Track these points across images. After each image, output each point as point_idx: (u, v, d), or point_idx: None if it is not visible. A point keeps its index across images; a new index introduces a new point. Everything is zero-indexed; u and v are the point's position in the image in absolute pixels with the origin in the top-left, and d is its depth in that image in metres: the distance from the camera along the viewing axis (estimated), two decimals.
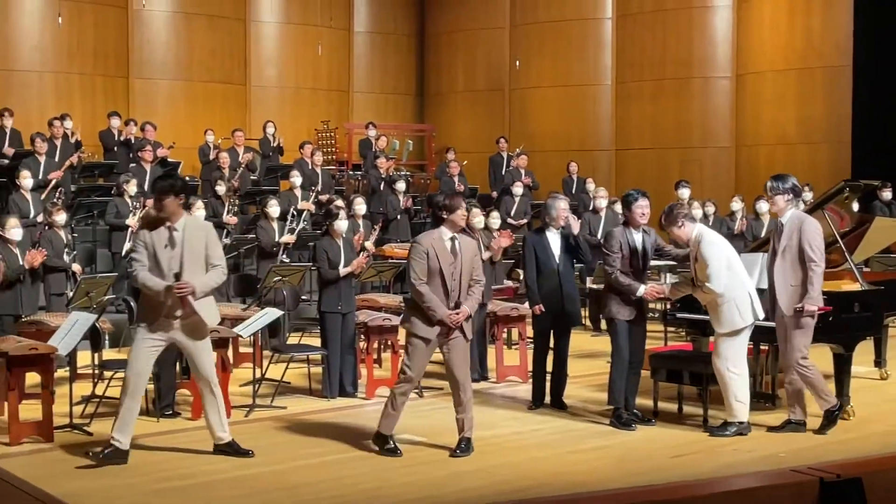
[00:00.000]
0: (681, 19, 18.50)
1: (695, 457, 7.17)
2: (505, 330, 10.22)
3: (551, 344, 8.68)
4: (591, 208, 13.80)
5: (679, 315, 8.76)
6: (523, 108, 19.98)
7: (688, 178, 15.28)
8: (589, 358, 10.49)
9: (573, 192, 16.42)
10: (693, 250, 7.64)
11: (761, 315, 7.57)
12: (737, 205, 13.95)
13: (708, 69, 18.35)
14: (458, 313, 7.10)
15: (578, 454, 7.25)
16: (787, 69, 17.40)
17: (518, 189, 15.39)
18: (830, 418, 7.69)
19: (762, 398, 8.49)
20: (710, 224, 13.34)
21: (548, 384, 8.67)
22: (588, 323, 12.34)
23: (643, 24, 18.87)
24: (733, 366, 7.51)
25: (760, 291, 7.88)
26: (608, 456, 7.19)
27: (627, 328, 7.89)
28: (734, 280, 7.49)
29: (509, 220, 14.82)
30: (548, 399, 8.62)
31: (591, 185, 16.01)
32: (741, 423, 7.58)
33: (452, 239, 7.15)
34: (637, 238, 7.92)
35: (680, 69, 18.50)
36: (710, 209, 13.64)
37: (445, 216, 7.18)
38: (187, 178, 15.50)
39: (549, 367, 8.66)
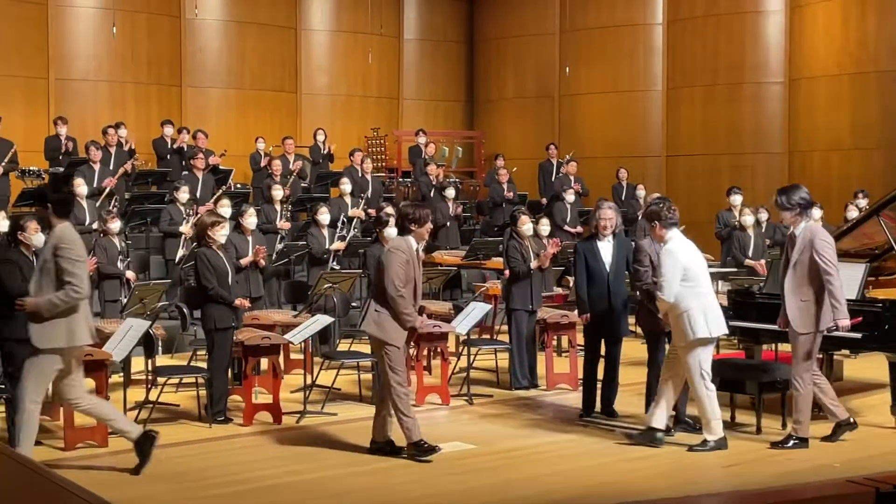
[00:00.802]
0: (733, 24, 18.35)
1: (748, 466, 7.09)
2: (555, 337, 10.19)
3: (602, 352, 8.64)
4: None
5: (731, 323, 8.67)
6: (573, 115, 19.93)
7: (739, 184, 15.16)
8: (640, 366, 10.40)
9: (623, 198, 16.35)
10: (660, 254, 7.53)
11: (717, 332, 7.38)
12: None
13: (760, 74, 18.18)
14: (424, 320, 7.33)
15: (630, 463, 7.20)
16: (841, 74, 17.19)
17: (570, 196, 15.35)
18: (838, 431, 7.60)
19: (816, 407, 8.38)
20: (763, 230, 13.23)
21: (598, 392, 8.62)
22: (639, 330, 12.25)
23: (694, 29, 18.75)
24: (699, 381, 7.35)
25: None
26: (660, 465, 7.14)
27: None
28: (689, 292, 7.29)
29: (565, 228, 14.80)
30: (598, 407, 8.57)
31: (640, 192, 15.93)
32: (717, 439, 7.41)
33: (418, 249, 7.27)
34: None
35: (731, 74, 18.34)
36: (763, 216, 13.49)
37: (414, 228, 7.22)
38: (238, 186, 15.71)
39: (600, 375, 8.62)
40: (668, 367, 7.61)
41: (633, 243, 8.74)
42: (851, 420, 7.66)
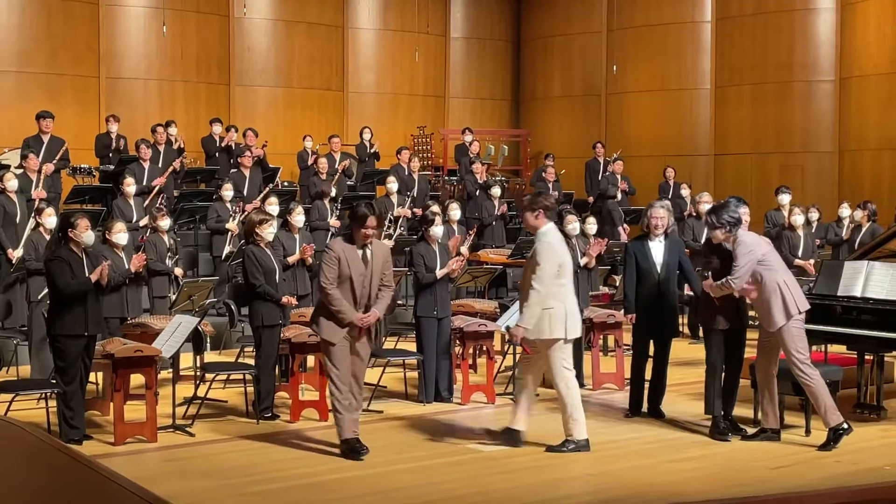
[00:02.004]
0: (782, 22, 18.17)
1: (796, 468, 7.02)
2: (601, 336, 10.14)
3: (650, 352, 8.58)
4: (692, 214, 13.48)
5: None
6: (620, 113, 19.84)
7: (788, 183, 15.01)
8: (687, 366, 10.35)
9: (670, 197, 16.23)
10: (535, 245, 7.40)
11: (573, 335, 7.29)
12: (845, 211, 13.59)
13: (810, 73, 17.98)
14: (367, 316, 7.19)
15: (677, 464, 7.15)
16: (893, 72, 16.95)
17: (618, 195, 15.30)
18: (833, 437, 7.37)
19: (867, 409, 8.28)
20: (814, 230, 13.07)
21: (646, 392, 8.57)
22: (686, 331, 12.18)
23: (743, 28, 18.58)
24: (561, 380, 7.27)
25: (866, 300, 7.66)
26: (707, 466, 7.08)
27: (722, 337, 7.78)
28: (556, 290, 7.21)
29: (617, 227, 14.78)
30: (645, 407, 8.52)
31: (685, 191, 15.81)
32: (579, 441, 7.32)
33: (364, 248, 7.17)
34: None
35: (781, 73, 18.16)
36: (814, 215, 13.33)
37: (355, 228, 7.24)
38: (286, 184, 15.81)
39: (648, 375, 8.57)
40: (526, 366, 7.53)
41: (684, 242, 8.67)
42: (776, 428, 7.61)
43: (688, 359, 10.72)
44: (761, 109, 18.34)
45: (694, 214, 13.02)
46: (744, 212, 7.91)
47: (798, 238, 12.71)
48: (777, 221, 13.50)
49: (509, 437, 7.48)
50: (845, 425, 7.35)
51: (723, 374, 7.86)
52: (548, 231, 7.38)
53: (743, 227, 7.62)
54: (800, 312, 7.34)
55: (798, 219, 12.63)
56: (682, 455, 7.35)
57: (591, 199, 16.61)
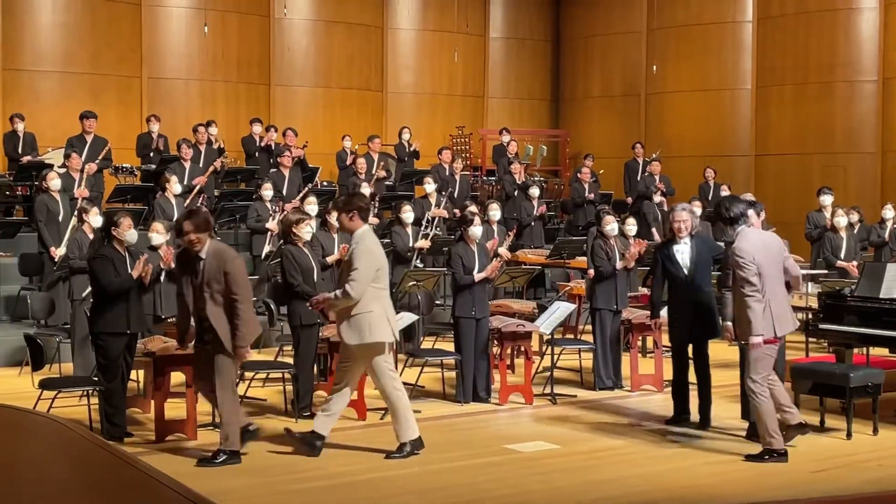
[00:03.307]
0: (824, 21, 17.99)
1: (837, 472, 6.96)
2: (640, 338, 10.10)
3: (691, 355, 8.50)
4: None
5: (822, 326, 8.52)
6: (660, 113, 19.74)
7: (830, 184, 14.86)
8: (725, 368, 10.28)
9: (709, 198, 16.14)
10: (351, 248, 7.26)
11: (391, 338, 7.15)
12: (888, 212, 13.40)
13: (853, 72, 17.79)
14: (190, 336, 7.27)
15: (715, 466, 7.11)
16: None
17: (657, 196, 15.23)
18: (764, 456, 7.10)
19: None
20: (856, 232, 12.91)
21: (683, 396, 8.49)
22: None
23: (785, 27, 18.42)
24: (390, 381, 7.16)
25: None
26: (746, 469, 7.04)
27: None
28: (374, 294, 7.05)
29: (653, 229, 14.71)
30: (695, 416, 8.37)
31: (725, 192, 15.69)
32: (413, 440, 7.20)
33: (197, 256, 7.02)
34: None
35: (823, 73, 17.99)
36: (855, 217, 13.18)
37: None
38: (325, 184, 15.86)
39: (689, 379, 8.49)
40: (343, 374, 7.35)
41: (719, 244, 8.60)
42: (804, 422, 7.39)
43: (727, 360, 10.64)
44: (803, 109, 18.17)
45: None
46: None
47: (840, 240, 12.60)
48: (819, 223, 13.38)
49: (309, 441, 7.23)
50: (782, 450, 7.07)
51: None
52: (364, 234, 7.22)
53: (749, 225, 7.35)
54: (776, 337, 7.06)
55: (840, 220, 12.51)
56: (720, 458, 7.31)
57: (629, 200, 16.54)
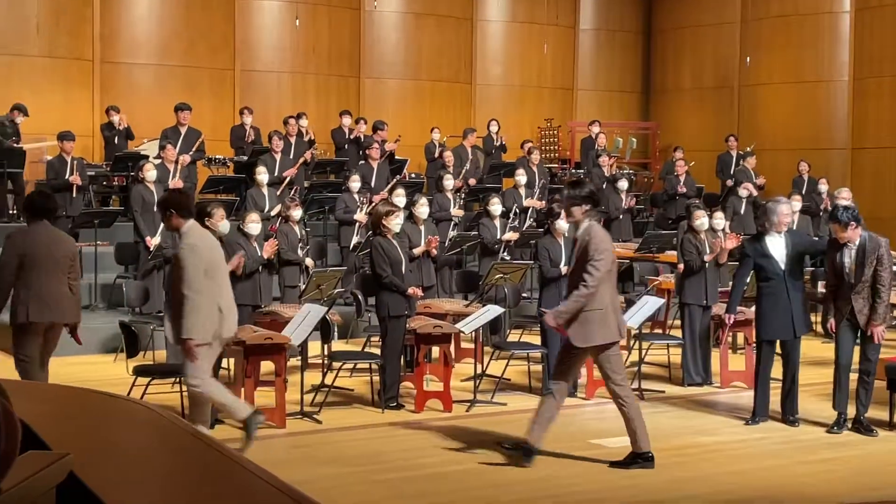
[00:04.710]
0: None
1: None
2: (730, 334, 9.95)
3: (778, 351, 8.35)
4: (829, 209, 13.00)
5: None
6: (753, 106, 19.39)
7: None
8: (818, 365, 10.07)
9: (803, 192, 15.81)
10: (583, 238, 6.96)
11: (226, 335, 6.91)
12: None
13: None
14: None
15: (808, 465, 6.98)
16: None
17: (743, 191, 14.96)
18: (633, 461, 6.82)
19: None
20: None
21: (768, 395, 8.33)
22: (819, 329, 11.85)
23: (884, 18, 17.93)
24: (193, 378, 6.84)
25: None
26: (840, 468, 6.90)
27: (851, 336, 7.55)
28: (207, 290, 6.78)
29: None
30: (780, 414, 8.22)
31: (823, 186, 15.37)
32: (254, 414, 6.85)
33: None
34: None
35: None
36: None
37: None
38: (413, 175, 15.93)
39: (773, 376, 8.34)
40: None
41: (815, 239, 8.43)
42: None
43: (820, 357, 10.43)
44: None
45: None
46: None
47: None
48: None
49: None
50: (651, 454, 6.83)
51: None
52: (189, 230, 6.97)
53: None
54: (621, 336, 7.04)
55: None
56: (813, 456, 7.18)
57: (724, 191, 16.27)
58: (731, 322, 8.52)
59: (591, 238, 6.81)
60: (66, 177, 12.34)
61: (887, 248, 7.73)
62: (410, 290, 8.60)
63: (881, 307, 7.60)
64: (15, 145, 13.43)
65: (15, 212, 13.54)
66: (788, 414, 8.13)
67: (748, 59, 19.05)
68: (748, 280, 8.58)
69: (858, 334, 7.77)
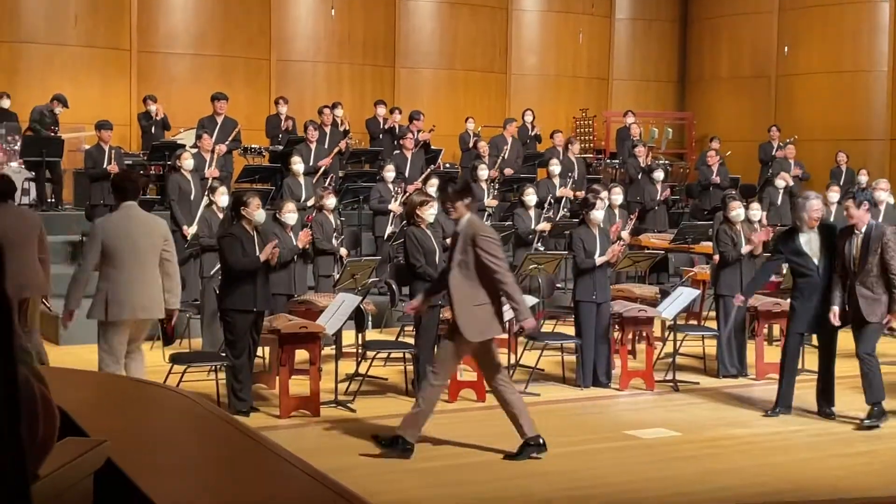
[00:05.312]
0: None
1: None
2: (766, 325, 9.89)
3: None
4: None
5: None
6: (790, 96, 19.21)
7: None
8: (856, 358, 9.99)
9: (841, 183, 15.64)
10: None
11: (113, 318, 6.95)
12: None
13: None
14: None
15: (843, 458, 6.93)
16: None
17: (780, 182, 14.83)
18: (523, 451, 6.77)
19: None
20: None
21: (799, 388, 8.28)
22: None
23: None
24: (107, 355, 6.99)
25: None
26: (876, 462, 6.85)
27: (879, 326, 7.54)
28: (113, 275, 6.91)
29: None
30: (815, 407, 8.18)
31: (862, 178, 15.21)
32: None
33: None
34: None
35: None
36: None
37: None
38: (447, 165, 15.91)
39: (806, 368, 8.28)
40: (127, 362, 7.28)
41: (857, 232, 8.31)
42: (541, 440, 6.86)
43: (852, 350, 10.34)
44: None
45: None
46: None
47: None
48: None
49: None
50: (541, 440, 6.79)
51: None
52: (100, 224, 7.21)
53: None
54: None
55: None
56: (849, 450, 7.13)
57: (761, 182, 16.14)
58: (739, 302, 8.51)
59: (477, 230, 6.80)
60: (104, 166, 12.45)
61: (893, 235, 7.65)
62: None
63: None
64: (53, 135, 13.56)
65: (53, 200, 13.69)
66: (825, 406, 8.07)
67: (786, 48, 18.88)
68: (772, 274, 8.53)
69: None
